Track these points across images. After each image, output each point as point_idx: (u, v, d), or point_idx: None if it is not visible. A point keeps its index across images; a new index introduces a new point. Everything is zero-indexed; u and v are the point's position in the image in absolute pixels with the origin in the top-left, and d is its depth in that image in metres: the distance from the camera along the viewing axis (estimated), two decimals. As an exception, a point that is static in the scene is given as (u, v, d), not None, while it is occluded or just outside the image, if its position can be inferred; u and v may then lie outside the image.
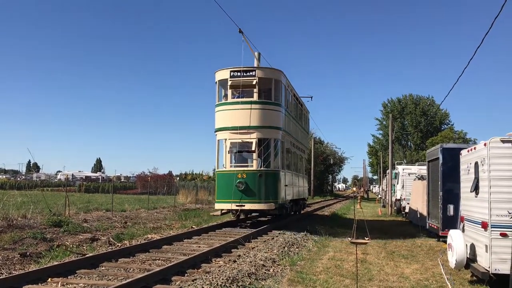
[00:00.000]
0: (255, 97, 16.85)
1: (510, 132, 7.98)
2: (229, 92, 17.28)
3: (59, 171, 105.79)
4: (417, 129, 77.02)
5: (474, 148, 8.80)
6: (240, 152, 17.44)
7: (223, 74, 17.25)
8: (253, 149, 16.70)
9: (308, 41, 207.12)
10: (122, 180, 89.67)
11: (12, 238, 12.05)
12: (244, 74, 16.83)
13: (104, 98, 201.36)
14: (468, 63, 14.37)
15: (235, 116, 16.84)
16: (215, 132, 17.57)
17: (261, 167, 16.81)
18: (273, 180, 16.90)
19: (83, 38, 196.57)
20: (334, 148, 77.85)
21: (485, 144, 7.98)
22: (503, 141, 7.74)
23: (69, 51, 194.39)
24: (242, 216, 18.40)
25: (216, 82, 17.68)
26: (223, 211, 17.66)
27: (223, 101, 17.66)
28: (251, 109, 16.55)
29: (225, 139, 17.10)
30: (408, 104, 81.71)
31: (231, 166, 17.27)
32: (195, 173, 71.27)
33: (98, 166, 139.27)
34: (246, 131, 16.63)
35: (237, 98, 17.25)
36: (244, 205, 16.32)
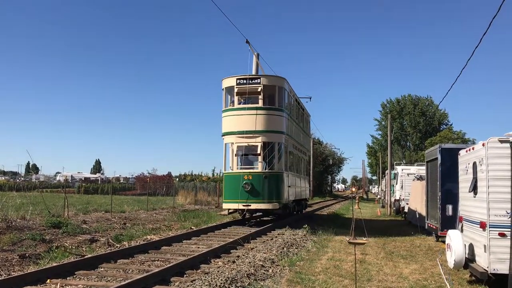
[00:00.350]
0: (260, 103, 17.71)
1: (509, 132, 7.98)
2: (236, 98, 18.13)
3: (58, 173, 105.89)
4: (416, 130, 77.02)
5: (473, 148, 8.81)
6: (246, 155, 18.32)
7: (229, 81, 18.12)
8: (258, 152, 17.51)
9: (307, 41, 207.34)
10: (121, 181, 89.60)
11: (11, 240, 12.06)
12: (250, 81, 17.70)
13: (103, 99, 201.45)
14: (466, 63, 14.35)
15: (242, 121, 17.73)
16: (222, 136, 18.42)
17: (266, 169, 17.77)
18: (277, 181, 17.81)
19: (83, 38, 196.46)
20: (333, 149, 77.88)
21: (483, 144, 7.99)
22: (501, 141, 7.74)
23: (68, 51, 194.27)
24: (247, 216, 19.17)
25: (223, 89, 18.55)
26: (230, 211, 18.56)
27: (230, 107, 18.49)
28: (256, 114, 17.46)
29: (232, 143, 17.98)
30: (407, 105, 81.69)
31: (237, 168, 18.15)
32: (194, 174, 71.08)
33: (97, 167, 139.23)
34: (252, 135, 17.51)
35: (243, 104, 18.10)
36: (250, 205, 17.22)
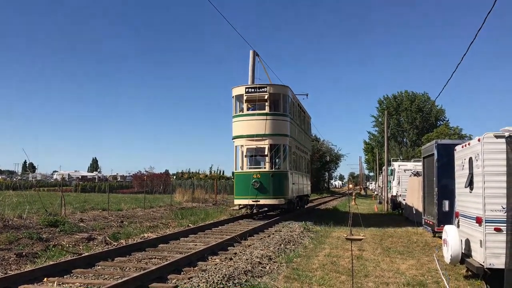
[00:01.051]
0: (267, 109, 19.60)
1: (504, 128, 7.98)
2: (245, 105, 20.00)
3: (55, 171, 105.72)
4: (412, 126, 77.10)
5: (469, 144, 8.82)
6: (255, 156, 20.20)
7: (239, 90, 20.09)
8: (266, 153, 19.47)
9: (304, 38, 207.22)
10: (119, 179, 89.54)
11: (8, 239, 12.03)
12: (258, 90, 19.65)
13: (100, 98, 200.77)
14: (461, 59, 14.36)
15: (251, 126, 19.59)
16: (232, 139, 20.26)
17: (272, 168, 19.55)
18: (282, 179, 19.75)
19: (81, 36, 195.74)
20: (330, 145, 77.85)
21: (479, 140, 7.99)
22: (497, 137, 7.74)
23: (65, 50, 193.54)
24: (255, 211, 20.68)
25: (233, 97, 20.41)
26: (241, 206, 20.42)
27: (239, 113, 20.34)
28: (266, 119, 19.36)
29: (242, 145, 19.82)
30: (403, 101, 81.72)
31: (247, 168, 19.91)
32: (192, 172, 71.12)
33: (94, 166, 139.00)
34: (261, 138, 19.39)
35: (251, 110, 19.97)
36: (259, 201, 19.01)
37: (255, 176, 19.02)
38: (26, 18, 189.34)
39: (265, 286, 7.78)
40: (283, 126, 20.06)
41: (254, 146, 19.66)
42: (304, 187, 26.75)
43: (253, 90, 19.67)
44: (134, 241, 12.36)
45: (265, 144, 19.38)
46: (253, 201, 19.03)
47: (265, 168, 19.61)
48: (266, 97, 19.41)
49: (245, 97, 19.63)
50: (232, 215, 21.29)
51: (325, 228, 17.49)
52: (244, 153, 19.77)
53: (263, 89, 19.64)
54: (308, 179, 29.22)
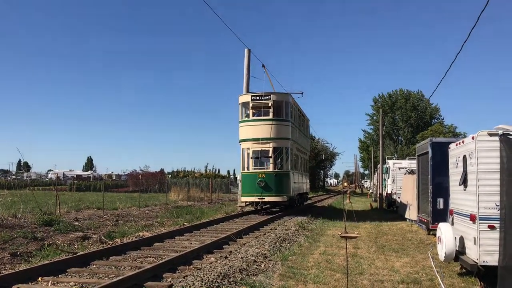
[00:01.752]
0: (271, 115, 21.40)
1: (498, 126, 8.02)
2: (250, 111, 21.87)
3: (50, 170, 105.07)
4: (407, 124, 77.25)
5: (462, 142, 8.86)
6: (260, 157, 21.84)
7: (245, 98, 22.18)
8: (270, 155, 21.26)
9: (299, 35, 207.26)
10: (114, 178, 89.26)
11: (2, 238, 11.97)
12: (262, 98, 21.55)
13: (95, 96, 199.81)
14: (455, 57, 14.41)
15: (257, 130, 21.45)
16: (239, 142, 22.05)
17: (276, 169, 21.22)
18: (285, 178, 21.48)
19: (76, 34, 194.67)
20: (325, 144, 77.86)
21: (473, 138, 8.03)
22: (491, 135, 7.78)
23: (61, 48, 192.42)
24: (258, 207, 22.16)
25: (239, 104, 22.37)
26: (247, 203, 22.26)
27: (245, 118, 22.15)
28: (271, 125, 21.19)
29: (248, 148, 21.55)
30: (398, 99, 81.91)
31: (253, 169, 21.46)
32: (187, 171, 71.00)
33: (89, 165, 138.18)
34: (265, 141, 21.20)
35: (256, 116, 21.79)
36: (264, 198, 20.84)
37: (260, 176, 20.75)
38: (22, 15, 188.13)
39: (260, 285, 7.79)
40: (285, 130, 21.91)
41: (260, 149, 21.36)
42: (304, 186, 28.48)
43: (258, 98, 21.54)
44: (129, 240, 12.35)
45: (269, 146, 21.14)
46: (258, 199, 20.78)
47: (269, 168, 21.33)
48: (270, 104, 21.24)
49: (251, 104, 21.53)
50: (227, 213, 21.39)
51: (320, 226, 17.56)
52: (250, 155, 21.38)
53: (267, 97, 21.46)
54: (307, 178, 30.90)
